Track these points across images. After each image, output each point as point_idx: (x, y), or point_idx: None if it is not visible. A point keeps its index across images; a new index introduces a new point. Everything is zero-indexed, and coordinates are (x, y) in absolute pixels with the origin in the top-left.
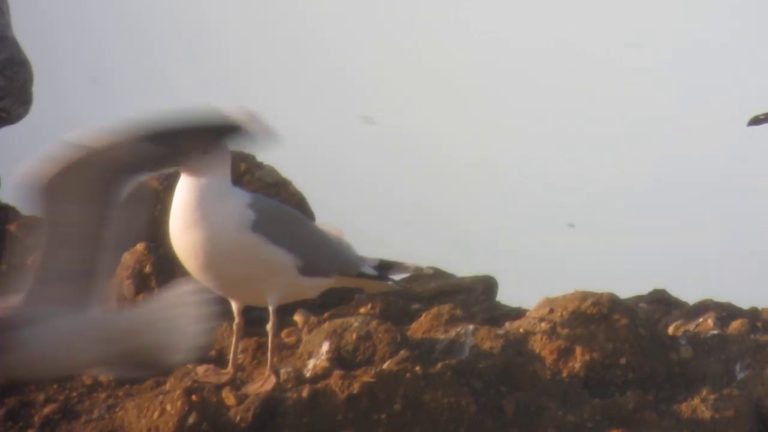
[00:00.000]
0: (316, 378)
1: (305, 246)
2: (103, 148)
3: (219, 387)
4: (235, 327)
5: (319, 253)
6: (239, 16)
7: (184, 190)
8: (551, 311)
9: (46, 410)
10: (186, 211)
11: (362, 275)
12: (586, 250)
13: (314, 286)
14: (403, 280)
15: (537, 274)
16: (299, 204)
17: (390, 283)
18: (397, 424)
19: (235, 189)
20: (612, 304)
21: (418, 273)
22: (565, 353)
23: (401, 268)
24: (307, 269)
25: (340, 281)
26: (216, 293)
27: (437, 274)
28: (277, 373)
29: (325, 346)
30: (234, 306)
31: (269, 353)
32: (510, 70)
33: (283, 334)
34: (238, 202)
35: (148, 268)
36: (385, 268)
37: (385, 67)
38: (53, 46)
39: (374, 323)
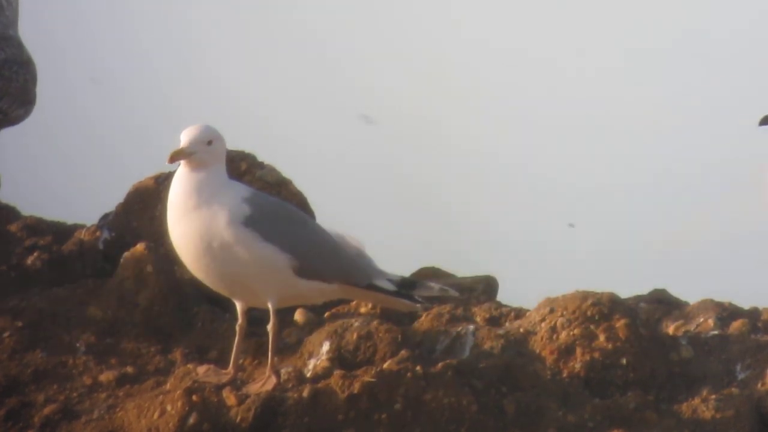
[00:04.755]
0: (317, 378)
1: (302, 247)
2: None
3: (220, 387)
4: (237, 328)
5: (318, 255)
6: (239, 16)
7: (182, 182)
8: (552, 311)
9: (47, 410)
10: (181, 202)
11: (373, 287)
12: (586, 250)
13: (314, 290)
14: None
15: (537, 274)
16: (300, 204)
17: (407, 301)
18: (397, 424)
19: (233, 183)
20: (612, 304)
21: (444, 294)
22: (566, 353)
23: (426, 288)
24: (304, 271)
25: (347, 291)
26: (217, 291)
27: (438, 274)
28: (277, 373)
29: (326, 346)
30: (238, 307)
31: (270, 353)
32: (511, 71)
33: (284, 333)
34: (234, 196)
35: (148, 268)
36: (408, 286)
37: (384, 67)
38: (53, 46)
39: (375, 323)
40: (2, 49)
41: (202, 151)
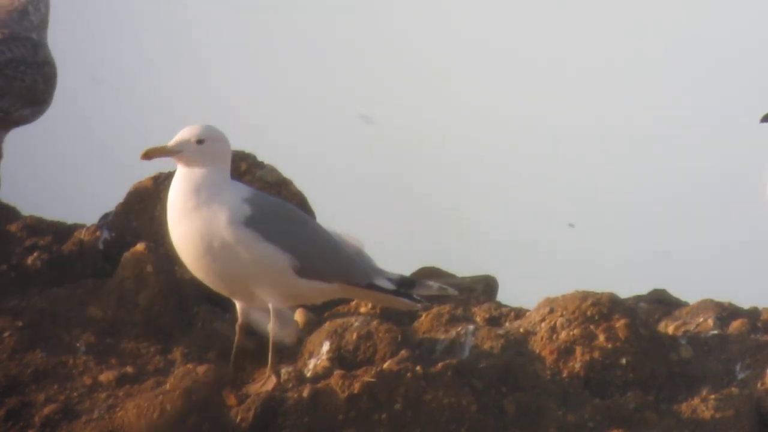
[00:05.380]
0: (317, 378)
1: (303, 247)
2: None
3: (220, 387)
4: (237, 327)
5: (319, 255)
6: (239, 16)
7: (182, 182)
8: (551, 311)
9: (47, 410)
10: (181, 202)
11: (373, 287)
12: (586, 250)
13: (314, 290)
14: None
15: (537, 274)
16: (300, 203)
17: (407, 300)
18: (397, 424)
19: (234, 183)
20: (612, 304)
21: (443, 293)
22: (566, 353)
23: (425, 287)
24: (305, 271)
25: (347, 290)
26: (217, 291)
27: (438, 274)
28: (277, 373)
29: (326, 346)
30: (238, 306)
31: (270, 353)
32: (511, 71)
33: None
34: (234, 196)
35: (148, 268)
36: (407, 284)
37: (384, 67)
38: (53, 46)
39: (375, 323)
40: (10, 49)
41: (190, 150)
